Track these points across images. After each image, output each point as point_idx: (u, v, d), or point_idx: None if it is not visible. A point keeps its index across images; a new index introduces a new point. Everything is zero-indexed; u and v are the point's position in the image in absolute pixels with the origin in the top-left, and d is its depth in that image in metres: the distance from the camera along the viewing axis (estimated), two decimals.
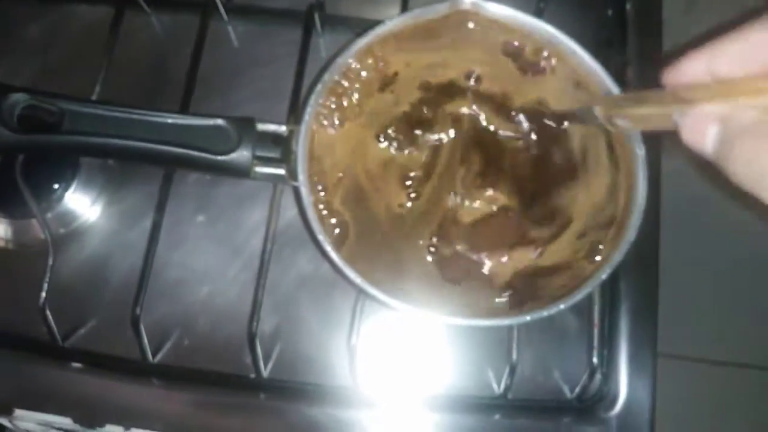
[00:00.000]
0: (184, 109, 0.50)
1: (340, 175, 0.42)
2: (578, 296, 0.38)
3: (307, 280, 0.51)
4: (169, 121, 0.38)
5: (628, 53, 0.55)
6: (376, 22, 0.54)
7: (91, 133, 0.37)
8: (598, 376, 0.48)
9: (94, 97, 0.50)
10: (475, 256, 0.42)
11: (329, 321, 0.50)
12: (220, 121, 0.38)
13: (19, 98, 0.36)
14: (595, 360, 0.46)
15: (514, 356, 0.45)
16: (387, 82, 0.44)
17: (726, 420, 1.01)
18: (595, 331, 0.47)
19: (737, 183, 0.25)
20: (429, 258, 0.43)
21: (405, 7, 0.53)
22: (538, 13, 0.52)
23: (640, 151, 0.39)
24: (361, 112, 0.44)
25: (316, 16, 0.54)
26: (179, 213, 0.52)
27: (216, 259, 0.52)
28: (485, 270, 0.42)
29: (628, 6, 0.56)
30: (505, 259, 0.42)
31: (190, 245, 0.52)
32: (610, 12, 0.56)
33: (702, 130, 0.27)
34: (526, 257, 0.42)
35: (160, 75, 0.57)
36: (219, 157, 0.38)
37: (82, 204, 0.53)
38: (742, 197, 0.26)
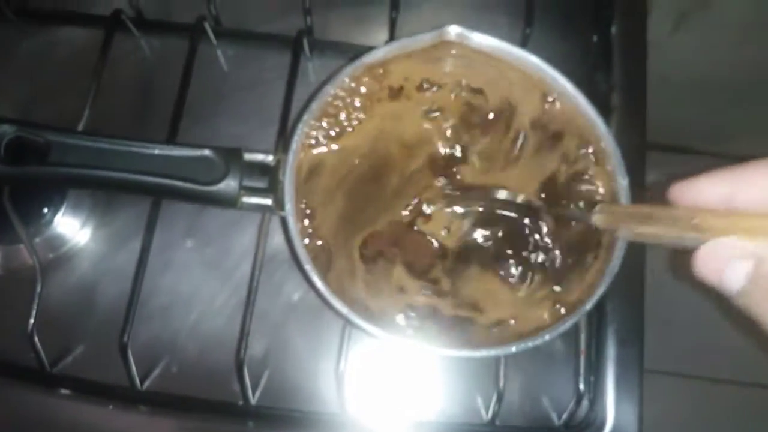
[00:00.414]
0: (172, 134, 0.50)
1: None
2: (563, 327, 0.38)
3: (296, 306, 0.51)
4: (156, 152, 0.38)
5: (614, 78, 0.55)
6: (364, 48, 0.55)
7: (77, 165, 0.37)
8: (585, 402, 0.48)
9: (83, 122, 0.50)
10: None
11: (318, 347, 0.50)
12: (206, 152, 0.39)
13: (6, 130, 0.36)
14: (581, 387, 0.47)
15: (502, 383, 0.45)
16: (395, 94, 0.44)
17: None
18: (582, 359, 0.47)
19: (763, 327, 0.23)
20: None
21: (392, 32, 0.54)
22: (524, 40, 0.53)
23: (624, 180, 0.40)
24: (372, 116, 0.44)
25: (305, 41, 0.54)
26: (168, 238, 0.52)
27: (204, 285, 0.52)
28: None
29: (614, 30, 0.56)
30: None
31: (178, 270, 0.52)
32: (595, 38, 0.56)
33: (722, 266, 0.25)
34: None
35: (150, 98, 0.57)
36: (206, 188, 0.38)
37: (71, 228, 0.53)
38: None
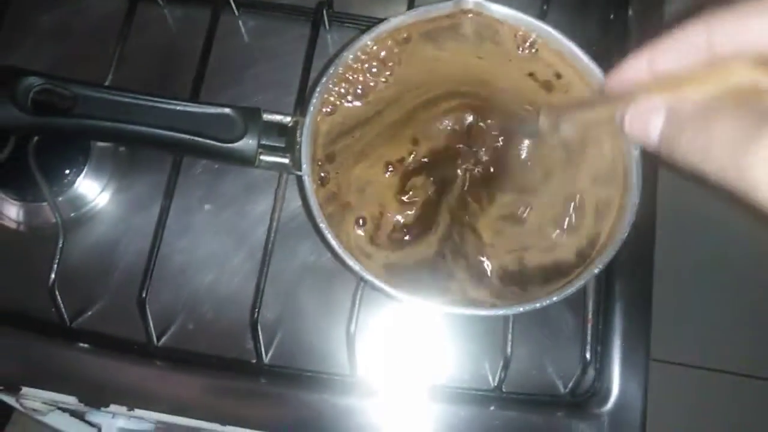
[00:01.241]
0: (194, 98, 0.51)
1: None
2: (571, 289, 0.39)
3: (310, 270, 0.52)
4: (179, 108, 0.39)
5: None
6: (382, 20, 0.56)
7: (101, 118, 0.38)
8: (591, 372, 0.49)
9: (106, 84, 0.52)
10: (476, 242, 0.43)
11: (330, 310, 0.51)
12: (227, 110, 0.40)
13: (33, 81, 0.37)
14: (587, 355, 0.47)
15: (509, 350, 0.46)
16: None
17: (716, 426, 1.01)
18: (589, 327, 0.47)
19: (687, 166, 0.26)
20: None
21: (411, 4, 0.54)
22: (542, 16, 0.53)
23: (635, 150, 0.40)
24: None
25: (324, 13, 0.55)
26: (186, 201, 0.53)
27: (221, 247, 0.53)
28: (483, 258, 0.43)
29: (630, 10, 0.57)
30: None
31: (196, 233, 0.54)
32: (611, 15, 0.56)
33: (645, 121, 0.28)
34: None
35: (172, 66, 0.58)
36: (226, 145, 0.39)
37: (92, 189, 0.54)
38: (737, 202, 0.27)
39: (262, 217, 0.53)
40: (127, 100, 0.39)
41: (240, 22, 0.58)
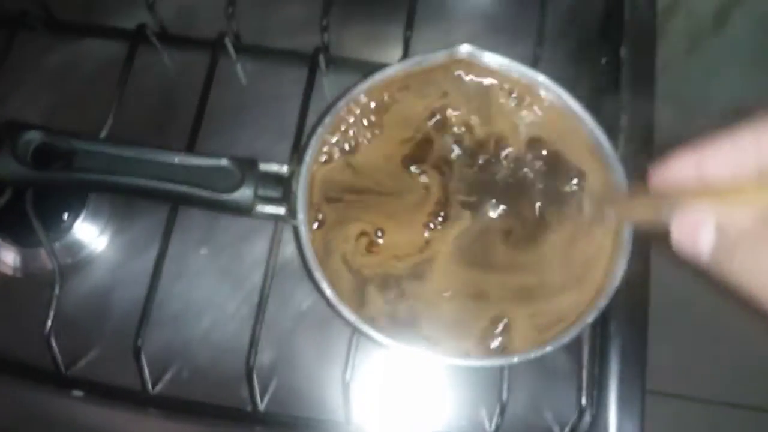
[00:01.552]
0: (191, 144, 0.52)
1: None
2: (565, 339, 0.39)
3: (305, 315, 0.52)
4: (176, 160, 0.39)
5: (622, 100, 0.56)
6: (378, 65, 0.56)
7: (100, 171, 0.38)
8: (587, 417, 0.49)
9: (105, 130, 0.52)
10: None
11: (326, 356, 0.51)
12: (224, 161, 0.40)
13: (34, 136, 0.38)
14: (584, 401, 0.47)
15: (505, 396, 0.46)
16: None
17: None
18: (584, 373, 0.47)
19: (739, 290, 0.25)
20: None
21: (406, 51, 0.55)
22: (535, 61, 0.54)
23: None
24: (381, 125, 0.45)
25: (321, 58, 0.56)
26: (183, 245, 0.53)
27: (217, 292, 0.53)
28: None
29: (623, 53, 0.58)
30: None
31: (192, 277, 0.54)
32: (603, 60, 0.57)
33: (696, 232, 0.27)
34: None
35: (170, 109, 0.59)
36: (222, 195, 0.40)
37: (90, 234, 0.54)
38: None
39: (259, 261, 0.53)
40: (125, 153, 0.39)
41: (238, 66, 0.59)
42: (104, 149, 0.39)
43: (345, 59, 0.58)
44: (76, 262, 0.54)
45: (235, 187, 0.40)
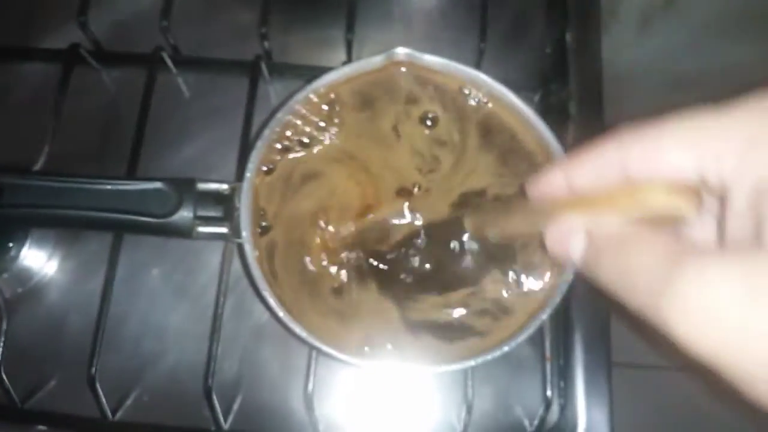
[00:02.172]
0: (133, 165, 0.51)
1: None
2: (521, 337, 0.39)
3: (265, 328, 0.51)
4: (109, 187, 0.38)
5: (570, 89, 0.56)
6: (322, 69, 0.55)
7: (30, 205, 0.37)
8: (555, 407, 0.48)
9: (42, 158, 0.51)
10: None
11: (287, 369, 0.51)
12: (159, 184, 0.39)
13: None
14: (548, 392, 0.47)
15: (470, 395, 0.46)
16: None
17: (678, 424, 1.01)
18: (548, 365, 0.47)
19: (608, 291, 0.26)
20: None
21: (349, 53, 0.54)
22: (479, 54, 0.53)
23: None
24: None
25: (263, 66, 0.54)
26: (133, 266, 0.52)
27: (173, 312, 0.52)
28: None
29: (568, 38, 0.57)
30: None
31: (145, 299, 0.52)
32: (548, 50, 0.57)
33: (566, 240, 0.28)
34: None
35: (113, 129, 0.57)
36: (160, 220, 0.39)
37: (37, 260, 0.53)
38: None
39: (212, 278, 0.52)
40: (55, 184, 0.38)
41: (179, 80, 0.58)
42: (32, 182, 0.37)
43: (288, 65, 0.57)
44: (27, 290, 0.53)
45: (173, 210, 0.39)
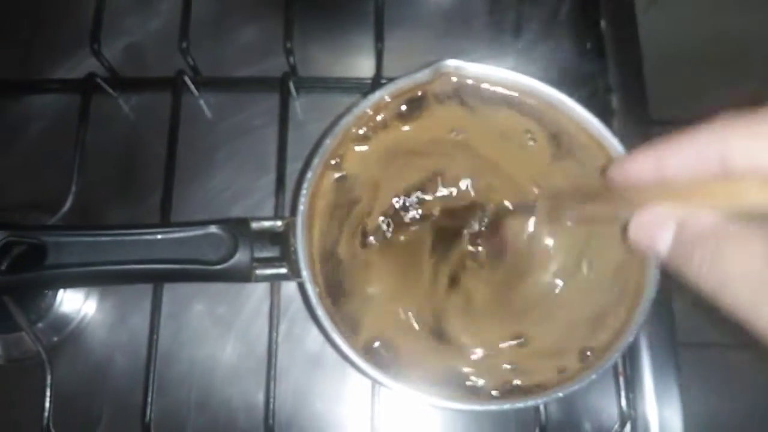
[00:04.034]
0: (167, 196, 0.49)
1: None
2: (593, 376, 0.36)
3: (319, 359, 0.49)
4: (159, 237, 0.36)
5: (610, 82, 0.54)
6: (352, 81, 0.53)
7: (77, 264, 0.34)
8: (628, 422, 0.47)
9: (70, 197, 0.48)
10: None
11: (345, 401, 0.49)
12: (213, 228, 0.36)
13: None
14: (624, 407, 0.46)
15: (543, 418, 0.44)
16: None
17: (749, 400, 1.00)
18: (621, 379, 0.45)
19: (696, 287, 0.25)
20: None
21: (379, 64, 0.51)
22: (516, 56, 0.51)
23: None
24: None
25: (291, 83, 0.52)
26: (175, 302, 0.50)
27: (219, 348, 0.50)
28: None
29: (603, 26, 0.55)
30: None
31: (191, 337, 0.50)
32: (588, 44, 0.54)
33: (654, 231, 0.27)
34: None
35: (137, 158, 0.55)
36: (216, 267, 0.36)
37: (74, 304, 0.51)
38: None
39: (259, 307, 0.50)
40: (101, 239, 0.35)
41: (201, 102, 0.55)
42: (78, 239, 0.35)
43: (315, 79, 0.54)
44: (65, 337, 0.50)
45: (230, 255, 0.36)
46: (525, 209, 0.40)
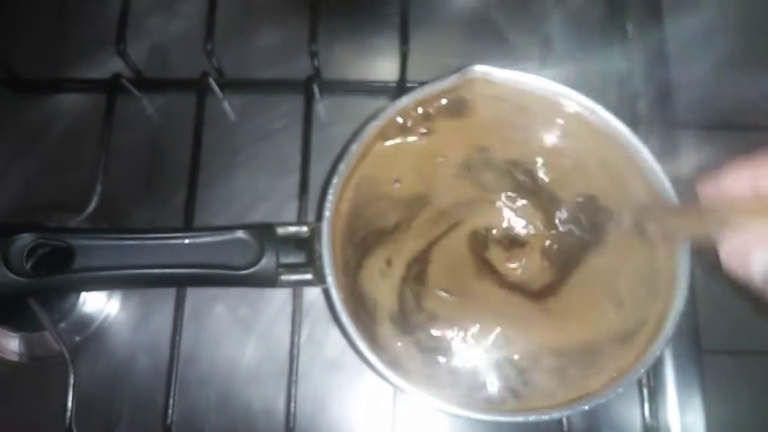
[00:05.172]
0: (191, 198, 0.49)
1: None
2: (625, 385, 0.36)
3: (340, 364, 0.49)
4: (186, 241, 0.36)
5: (636, 85, 0.53)
6: (375, 84, 0.53)
7: (105, 267, 0.34)
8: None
9: (95, 197, 0.49)
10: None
11: (365, 406, 0.48)
12: (239, 234, 0.36)
13: (26, 240, 0.34)
14: (648, 419, 0.45)
15: (566, 430, 0.43)
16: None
17: None
18: (644, 391, 0.45)
19: None
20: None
21: (404, 67, 0.51)
22: (542, 60, 0.50)
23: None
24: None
25: (315, 86, 0.52)
26: (197, 304, 0.50)
27: (240, 351, 0.50)
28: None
29: (629, 29, 0.54)
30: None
31: (212, 339, 0.50)
32: (615, 47, 0.54)
33: (746, 254, 0.25)
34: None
35: (161, 159, 0.55)
36: (242, 272, 0.36)
37: (97, 304, 0.51)
38: None
39: (281, 310, 0.50)
40: (129, 242, 0.35)
41: (225, 104, 0.55)
42: (105, 242, 0.35)
43: (339, 81, 0.54)
44: (88, 337, 0.50)
45: (256, 261, 0.36)
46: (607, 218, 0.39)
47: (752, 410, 0.94)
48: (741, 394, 0.91)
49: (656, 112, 0.53)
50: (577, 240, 0.40)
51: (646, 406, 0.46)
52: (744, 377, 0.96)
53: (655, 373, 0.48)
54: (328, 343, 0.50)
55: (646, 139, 0.49)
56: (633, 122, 0.51)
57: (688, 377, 0.48)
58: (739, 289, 0.25)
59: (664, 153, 0.45)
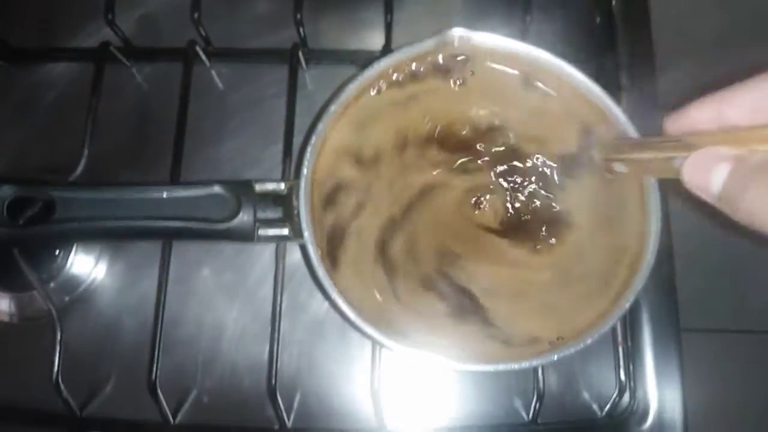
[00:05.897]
0: (176, 162, 0.49)
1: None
2: (605, 328, 0.37)
3: (322, 323, 0.50)
4: (165, 195, 0.37)
5: (620, 58, 0.53)
6: (361, 53, 0.54)
7: (84, 218, 0.35)
8: (626, 392, 0.47)
9: (83, 161, 0.50)
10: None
11: (347, 362, 0.50)
12: (217, 188, 0.37)
13: (6, 192, 0.35)
14: (622, 377, 0.46)
15: (541, 384, 0.44)
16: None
17: (753, 387, 0.99)
18: (620, 349, 0.46)
19: (749, 224, 0.24)
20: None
21: (389, 36, 0.52)
22: (524, 30, 0.51)
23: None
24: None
25: (300, 54, 0.52)
26: (184, 268, 0.51)
27: (226, 312, 0.51)
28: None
29: (614, 6, 0.55)
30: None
31: (198, 300, 0.51)
32: (598, 19, 0.54)
33: (708, 170, 0.26)
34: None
35: (148, 126, 0.56)
36: (220, 225, 0.37)
37: (85, 266, 0.52)
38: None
39: (265, 274, 0.51)
40: (108, 195, 0.36)
41: (213, 72, 0.56)
42: (85, 194, 0.36)
43: (325, 51, 0.55)
44: (76, 298, 0.51)
45: (233, 215, 0.37)
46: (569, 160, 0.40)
47: (731, 388, 0.95)
48: (720, 372, 0.92)
49: (637, 86, 0.54)
50: (549, 186, 0.41)
51: (622, 365, 0.46)
52: (724, 355, 0.97)
53: (632, 338, 0.49)
54: (312, 305, 0.51)
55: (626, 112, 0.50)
56: (614, 93, 0.52)
57: (666, 348, 0.49)
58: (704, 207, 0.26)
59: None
